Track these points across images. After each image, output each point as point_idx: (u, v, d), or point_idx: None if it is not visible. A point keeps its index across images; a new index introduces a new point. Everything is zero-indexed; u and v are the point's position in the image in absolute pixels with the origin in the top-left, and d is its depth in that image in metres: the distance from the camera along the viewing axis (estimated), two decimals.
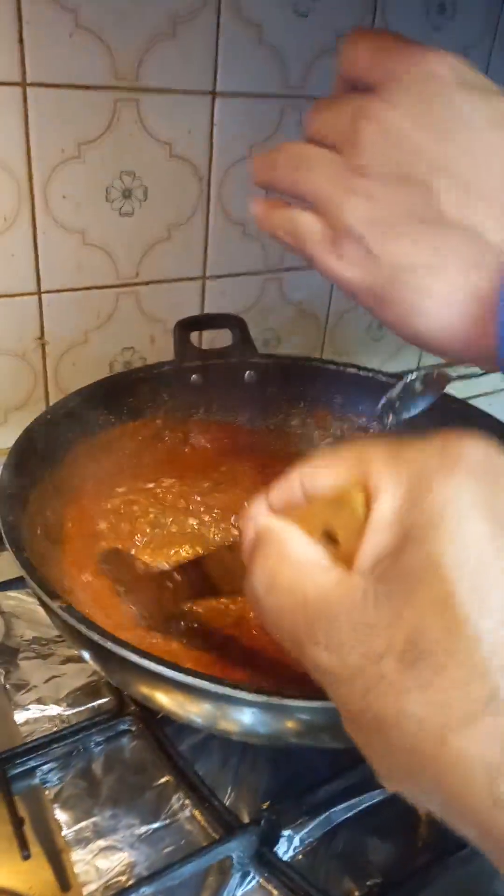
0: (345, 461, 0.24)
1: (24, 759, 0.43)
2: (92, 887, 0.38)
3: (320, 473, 0.25)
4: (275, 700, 0.33)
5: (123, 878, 0.39)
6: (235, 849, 0.40)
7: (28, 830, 0.39)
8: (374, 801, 0.44)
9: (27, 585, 0.55)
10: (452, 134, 0.27)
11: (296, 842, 0.42)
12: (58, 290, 0.65)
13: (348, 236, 0.30)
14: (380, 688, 0.20)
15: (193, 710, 0.38)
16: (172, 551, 0.55)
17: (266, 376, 0.66)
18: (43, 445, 0.51)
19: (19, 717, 0.47)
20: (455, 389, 0.66)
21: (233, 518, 0.58)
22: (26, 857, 0.37)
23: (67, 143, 0.60)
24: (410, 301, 0.29)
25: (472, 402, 0.64)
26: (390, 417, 0.44)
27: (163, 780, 0.44)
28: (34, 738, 0.45)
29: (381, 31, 0.30)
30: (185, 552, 0.55)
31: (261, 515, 0.27)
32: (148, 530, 0.56)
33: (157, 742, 0.45)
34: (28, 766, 0.43)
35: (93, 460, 0.57)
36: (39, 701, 0.48)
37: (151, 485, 0.60)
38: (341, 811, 0.43)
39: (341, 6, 0.68)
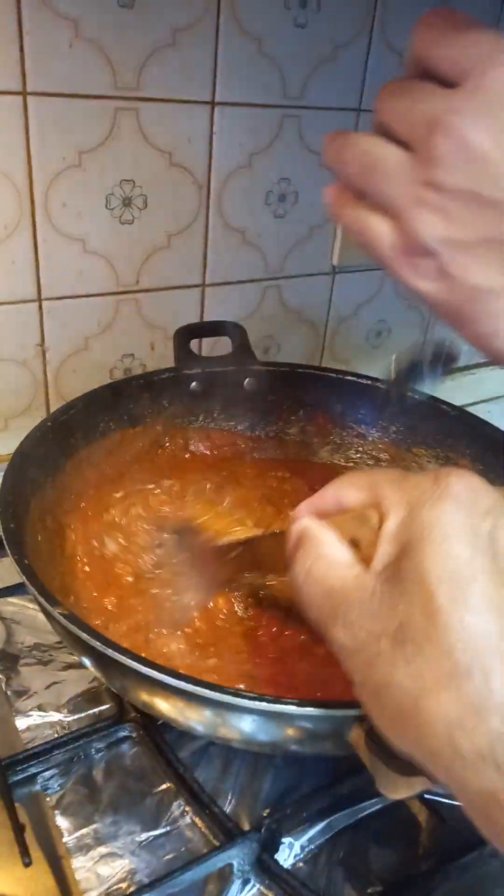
0: (364, 486, 0.30)
1: (26, 765, 0.43)
2: (93, 894, 0.38)
3: (347, 493, 0.31)
4: (276, 707, 0.33)
5: (124, 885, 0.39)
6: (236, 856, 0.40)
7: (29, 837, 0.39)
8: (375, 808, 0.44)
9: (28, 592, 0.55)
10: None
11: (296, 849, 0.42)
12: (58, 298, 0.66)
13: (422, 250, 0.29)
14: (377, 661, 0.25)
15: (194, 717, 0.38)
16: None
17: (265, 384, 0.66)
18: (44, 452, 0.51)
19: (20, 723, 0.47)
20: (455, 395, 0.66)
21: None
22: (28, 863, 0.37)
23: (68, 152, 0.61)
24: (489, 324, 0.29)
25: (471, 408, 0.65)
26: (397, 385, 0.44)
27: (163, 786, 0.44)
28: (35, 744, 0.45)
29: (461, 14, 0.28)
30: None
31: (305, 518, 0.32)
32: (149, 537, 0.56)
33: (158, 749, 0.45)
34: (29, 773, 0.43)
35: (93, 467, 0.57)
36: (40, 707, 0.48)
37: (152, 486, 0.60)
38: (342, 818, 0.43)
39: (340, 18, 0.69)
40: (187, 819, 0.43)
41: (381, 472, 0.32)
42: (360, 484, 0.31)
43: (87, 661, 0.40)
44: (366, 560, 0.28)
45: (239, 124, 0.68)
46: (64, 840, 0.41)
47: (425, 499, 0.26)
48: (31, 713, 0.47)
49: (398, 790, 0.31)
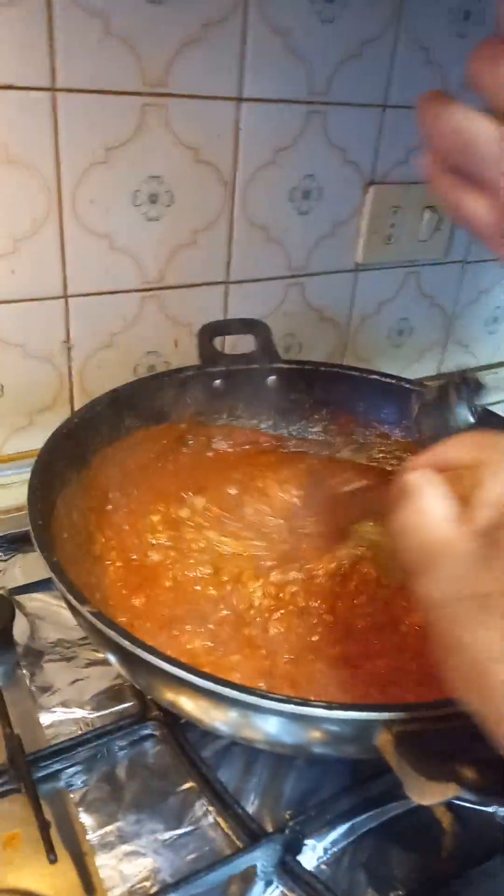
0: (473, 446, 0.31)
1: (50, 761, 0.44)
2: (116, 892, 0.38)
3: (455, 451, 0.32)
4: (303, 710, 0.33)
5: (148, 884, 0.39)
6: (260, 857, 0.40)
7: (54, 834, 0.39)
8: (398, 811, 0.44)
9: (52, 587, 0.55)
10: None
11: (319, 851, 0.42)
12: (84, 294, 0.66)
13: None
14: (459, 620, 0.27)
15: (219, 718, 0.38)
16: (201, 543, 0.55)
17: (289, 382, 0.66)
18: (70, 449, 0.51)
19: (44, 719, 0.47)
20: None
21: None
22: (53, 860, 0.37)
23: (96, 148, 0.61)
24: None
25: (494, 407, 0.64)
26: (426, 427, 0.43)
27: (186, 785, 0.44)
28: (59, 740, 0.45)
29: None
30: (201, 545, 0.55)
31: (415, 469, 0.32)
32: (170, 531, 0.56)
33: (181, 748, 0.45)
34: (53, 769, 0.44)
35: (118, 464, 0.57)
36: (64, 704, 0.48)
37: (174, 486, 0.60)
38: (365, 821, 0.43)
39: (366, 13, 0.68)
40: (210, 819, 0.43)
41: (497, 435, 0.32)
42: (469, 443, 0.31)
43: (112, 659, 0.40)
44: (468, 520, 0.29)
45: (265, 120, 0.68)
46: (87, 837, 0.41)
47: None
48: (54, 709, 0.48)
49: (428, 795, 0.31)
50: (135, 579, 0.50)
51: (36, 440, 0.50)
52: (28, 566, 0.59)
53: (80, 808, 0.42)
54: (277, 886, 0.40)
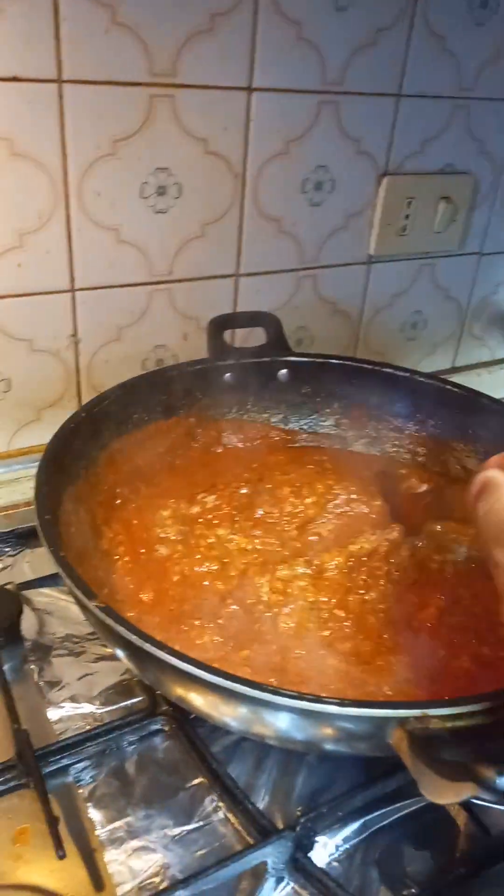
0: None
1: (58, 757, 0.43)
2: (126, 888, 0.38)
3: None
4: (315, 706, 0.33)
5: (157, 880, 0.39)
6: (271, 854, 0.39)
7: (62, 829, 0.39)
8: (411, 809, 0.43)
9: (60, 582, 0.55)
10: None
11: (331, 848, 0.41)
12: (92, 288, 0.65)
13: None
14: None
15: (229, 714, 0.37)
16: (210, 539, 0.54)
17: (300, 375, 0.65)
18: (78, 444, 0.51)
19: (53, 714, 0.47)
20: (496, 389, 0.65)
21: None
22: (62, 856, 0.37)
23: (103, 140, 0.60)
24: None
25: None
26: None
27: (196, 781, 0.44)
28: (67, 735, 0.45)
29: None
30: (210, 541, 0.54)
31: (491, 469, 0.36)
32: (179, 525, 0.56)
33: (190, 743, 0.45)
34: (62, 764, 0.43)
35: (126, 458, 0.56)
36: (72, 699, 0.48)
37: (183, 482, 0.60)
38: (377, 818, 0.43)
39: (381, 1, 0.67)
40: (220, 815, 0.42)
41: None
42: None
43: (121, 654, 0.40)
44: None
45: (276, 110, 0.67)
46: (96, 833, 0.41)
47: None
48: (63, 704, 0.47)
49: (444, 795, 0.30)
50: (143, 574, 0.50)
51: (43, 435, 0.50)
52: (36, 561, 0.59)
53: (89, 804, 0.42)
54: (288, 883, 0.40)
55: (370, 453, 0.67)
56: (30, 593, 0.56)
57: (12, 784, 0.42)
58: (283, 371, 0.65)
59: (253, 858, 0.39)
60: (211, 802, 0.43)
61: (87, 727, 0.46)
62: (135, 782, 0.44)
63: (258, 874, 0.40)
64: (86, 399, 0.68)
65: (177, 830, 0.41)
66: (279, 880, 0.40)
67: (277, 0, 0.62)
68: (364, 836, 0.42)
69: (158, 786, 0.44)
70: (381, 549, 0.53)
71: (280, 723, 0.35)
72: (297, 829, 0.40)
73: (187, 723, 0.46)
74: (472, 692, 0.40)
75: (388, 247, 0.80)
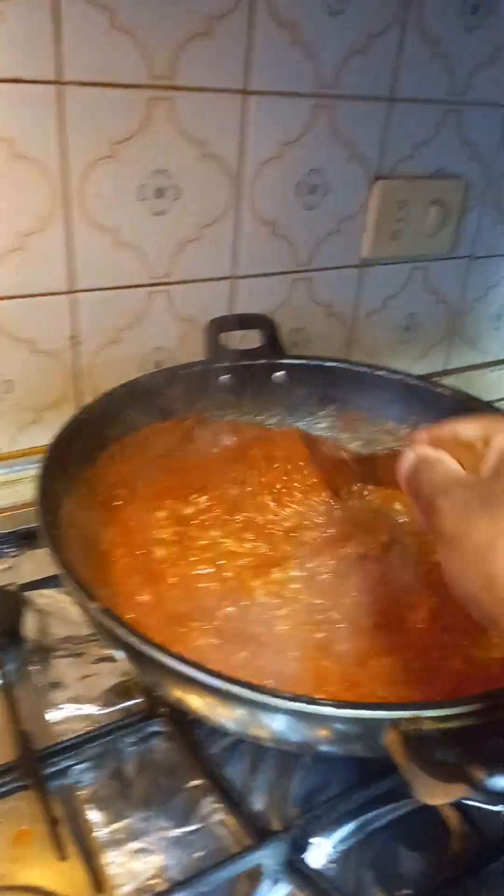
0: (480, 424, 0.37)
1: (59, 758, 0.44)
2: (125, 889, 0.38)
3: (465, 427, 0.38)
4: (311, 708, 0.33)
5: (156, 882, 0.39)
6: (267, 856, 0.40)
7: (62, 830, 0.40)
8: (405, 810, 0.44)
9: (60, 583, 0.55)
10: None
11: (326, 849, 0.42)
12: (91, 290, 0.65)
13: None
14: (468, 516, 0.32)
15: (226, 715, 0.38)
16: (204, 541, 0.55)
17: (295, 378, 0.66)
18: (78, 445, 0.51)
19: (53, 715, 0.47)
20: (485, 391, 0.65)
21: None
22: (62, 857, 0.37)
23: (102, 142, 0.60)
24: None
25: (499, 404, 0.64)
26: None
27: (194, 783, 0.44)
28: (68, 737, 0.45)
29: None
30: (204, 542, 0.55)
31: (421, 445, 0.39)
32: (174, 527, 0.56)
33: (188, 745, 0.46)
34: (62, 766, 0.44)
35: (125, 460, 0.57)
36: (72, 700, 0.48)
37: (179, 483, 0.60)
38: (372, 819, 0.43)
39: (374, 5, 0.67)
40: (218, 816, 0.43)
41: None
42: (476, 421, 0.38)
43: (121, 656, 0.40)
44: (477, 469, 0.35)
45: (272, 114, 0.67)
46: (96, 834, 0.41)
47: None
48: (63, 706, 0.48)
49: (435, 796, 0.31)
50: (141, 576, 0.50)
51: (44, 436, 0.50)
52: (37, 562, 0.59)
53: (89, 805, 0.42)
54: (284, 885, 0.40)
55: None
56: (31, 594, 0.56)
57: (13, 786, 0.42)
58: (279, 373, 0.65)
59: (249, 861, 0.39)
60: (208, 805, 0.43)
61: (88, 729, 0.46)
62: (134, 784, 0.44)
63: (255, 876, 0.40)
64: (86, 400, 0.68)
65: (175, 832, 0.42)
66: (275, 882, 0.40)
67: (273, 4, 0.62)
68: (359, 837, 0.43)
69: (157, 788, 0.44)
70: (372, 552, 0.53)
71: (276, 724, 0.36)
72: (293, 830, 0.41)
73: (185, 725, 0.46)
74: (464, 693, 0.40)
75: (381, 250, 0.80)
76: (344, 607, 0.50)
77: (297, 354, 0.68)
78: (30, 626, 0.53)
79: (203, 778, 0.44)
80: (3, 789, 0.42)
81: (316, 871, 0.40)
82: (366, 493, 0.58)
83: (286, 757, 0.46)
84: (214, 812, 0.43)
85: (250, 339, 0.66)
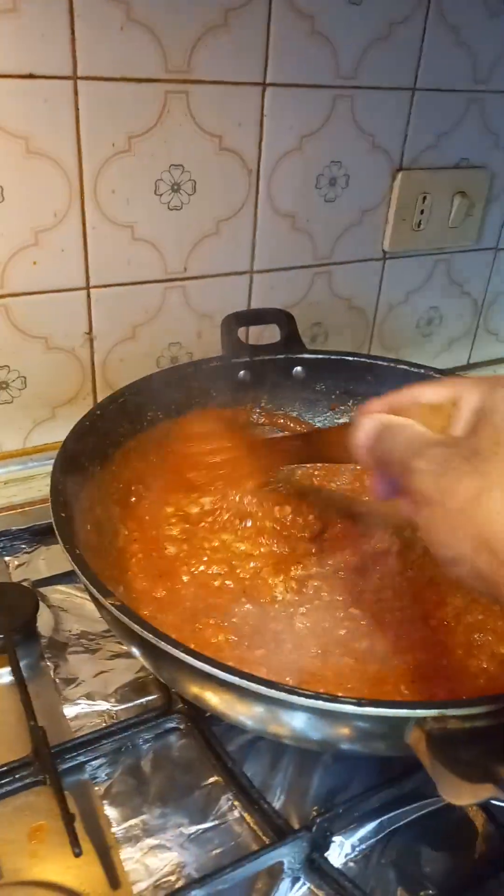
0: (444, 386, 0.36)
1: (74, 754, 0.43)
2: (142, 886, 0.38)
3: (426, 392, 0.37)
4: (332, 706, 0.32)
5: (173, 878, 0.38)
6: (287, 854, 0.39)
7: (78, 827, 0.39)
8: (428, 809, 0.43)
9: (75, 579, 0.55)
10: None
11: (347, 848, 0.41)
12: (106, 286, 0.65)
13: None
14: (449, 473, 0.30)
15: (245, 713, 0.37)
16: (215, 542, 0.54)
17: (314, 373, 0.65)
18: (93, 441, 0.51)
19: (69, 711, 0.47)
20: None
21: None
22: (78, 853, 0.37)
23: (118, 137, 0.60)
24: None
25: None
26: None
27: (211, 780, 0.44)
28: (83, 733, 0.45)
29: None
30: (215, 544, 0.54)
31: (379, 413, 0.38)
32: (183, 524, 0.55)
33: (206, 741, 0.45)
34: (78, 762, 0.43)
35: (141, 456, 0.56)
36: (88, 696, 0.48)
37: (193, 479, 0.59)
38: (394, 818, 0.42)
39: None
40: (236, 814, 0.42)
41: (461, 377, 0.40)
42: (440, 384, 0.37)
43: (137, 652, 0.40)
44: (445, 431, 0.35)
45: (290, 106, 0.67)
46: (112, 830, 0.41)
47: (497, 385, 0.33)
48: (79, 701, 0.47)
49: (462, 796, 0.30)
50: (156, 572, 0.50)
51: (59, 433, 0.50)
52: (51, 558, 0.59)
53: (105, 801, 0.42)
54: (304, 883, 0.39)
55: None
56: (46, 590, 0.56)
57: (28, 781, 0.42)
58: (298, 368, 0.65)
59: (269, 858, 0.39)
60: (226, 801, 0.43)
61: (103, 724, 0.46)
62: (150, 780, 0.44)
63: (274, 874, 0.39)
64: (101, 397, 0.68)
65: (192, 829, 0.41)
66: (295, 880, 0.39)
67: None
68: (381, 836, 0.42)
69: (174, 784, 0.43)
70: (394, 547, 0.53)
71: (296, 722, 0.35)
72: (313, 829, 0.40)
73: (203, 721, 0.46)
74: (490, 692, 0.39)
75: (403, 242, 0.79)
76: (366, 604, 0.49)
77: (317, 349, 0.67)
78: (45, 622, 0.53)
79: (221, 775, 0.44)
80: (19, 784, 0.42)
81: (337, 869, 0.39)
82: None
83: (305, 755, 0.45)
84: (232, 809, 0.42)
85: (269, 334, 0.65)
